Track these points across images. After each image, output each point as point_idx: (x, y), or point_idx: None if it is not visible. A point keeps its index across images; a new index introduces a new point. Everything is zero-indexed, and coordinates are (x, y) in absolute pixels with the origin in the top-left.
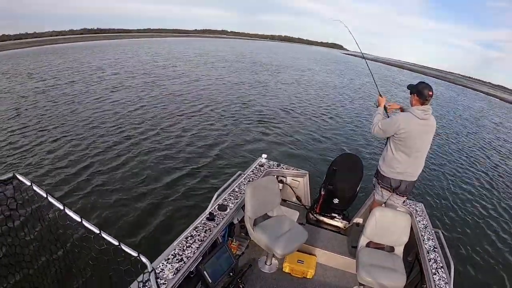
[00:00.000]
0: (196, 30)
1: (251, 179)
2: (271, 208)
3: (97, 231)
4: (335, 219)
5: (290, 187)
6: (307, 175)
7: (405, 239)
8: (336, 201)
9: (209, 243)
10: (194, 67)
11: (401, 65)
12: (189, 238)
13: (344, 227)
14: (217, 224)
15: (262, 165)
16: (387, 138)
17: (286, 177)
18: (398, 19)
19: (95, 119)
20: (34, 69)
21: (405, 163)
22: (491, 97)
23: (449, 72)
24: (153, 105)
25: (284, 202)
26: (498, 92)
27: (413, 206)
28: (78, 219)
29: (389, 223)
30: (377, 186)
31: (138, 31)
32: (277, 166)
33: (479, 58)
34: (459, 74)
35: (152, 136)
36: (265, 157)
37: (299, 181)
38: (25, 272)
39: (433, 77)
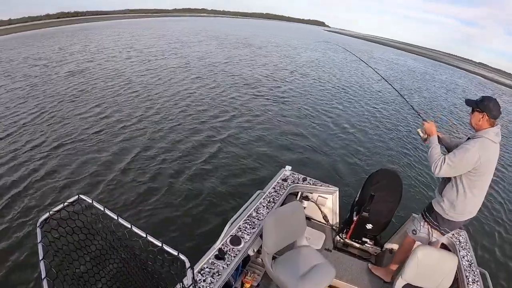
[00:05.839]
0: (175, 9)
1: (272, 200)
2: (294, 239)
3: (144, 235)
4: (365, 244)
5: (317, 205)
6: (337, 192)
7: (448, 284)
8: (369, 226)
9: None
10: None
11: (381, 41)
12: None
13: (375, 253)
14: (227, 264)
15: (285, 179)
16: None
17: (312, 194)
18: None
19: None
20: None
21: (478, 199)
22: (477, 76)
23: (431, 49)
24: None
25: (308, 221)
26: (481, 70)
27: (456, 236)
28: (128, 226)
29: (433, 265)
30: (426, 227)
31: (118, 12)
32: (303, 181)
33: (458, 35)
34: (440, 51)
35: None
36: (290, 168)
37: (327, 198)
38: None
39: (417, 54)
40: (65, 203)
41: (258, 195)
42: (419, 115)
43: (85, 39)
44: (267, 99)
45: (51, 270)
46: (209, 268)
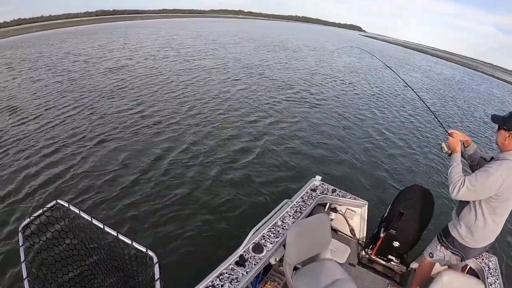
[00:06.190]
0: (212, 10)
1: (298, 210)
2: (318, 251)
3: (115, 233)
4: (391, 262)
5: (345, 217)
6: (366, 205)
7: None
8: (396, 244)
9: None
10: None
11: (419, 49)
12: None
13: (400, 271)
14: (247, 271)
15: (314, 190)
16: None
17: (341, 206)
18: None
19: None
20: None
21: (499, 226)
22: None
23: (470, 58)
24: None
25: (334, 233)
26: None
27: (486, 260)
28: (101, 226)
29: None
30: (443, 251)
31: (155, 11)
32: (332, 192)
33: (495, 43)
34: (479, 60)
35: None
36: (320, 179)
37: (355, 212)
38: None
39: (454, 62)
40: (44, 209)
41: (285, 203)
42: (444, 129)
43: (123, 37)
44: (304, 105)
45: (32, 271)
46: (228, 274)
